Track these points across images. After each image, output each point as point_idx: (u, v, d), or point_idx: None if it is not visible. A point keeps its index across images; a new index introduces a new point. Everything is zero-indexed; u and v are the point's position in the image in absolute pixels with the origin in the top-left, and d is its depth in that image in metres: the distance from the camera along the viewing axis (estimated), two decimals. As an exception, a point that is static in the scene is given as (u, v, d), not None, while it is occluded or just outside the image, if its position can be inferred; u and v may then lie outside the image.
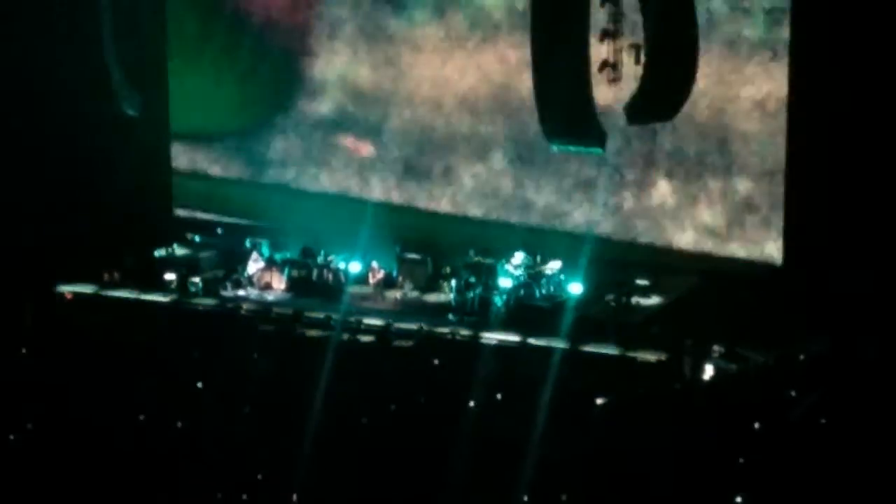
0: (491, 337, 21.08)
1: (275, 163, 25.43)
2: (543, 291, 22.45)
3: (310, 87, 25.11)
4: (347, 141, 25.00)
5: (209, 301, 23.06)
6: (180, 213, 25.90)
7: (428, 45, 24.27)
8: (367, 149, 24.95)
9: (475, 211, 24.17)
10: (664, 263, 22.81)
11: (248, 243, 24.48)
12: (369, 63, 24.68)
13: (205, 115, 25.79)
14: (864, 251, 20.40)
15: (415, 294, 23.25)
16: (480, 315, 22.02)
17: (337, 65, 24.92)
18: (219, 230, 25.39)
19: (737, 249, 22.36)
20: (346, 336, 20.61)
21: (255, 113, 25.52)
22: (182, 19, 25.74)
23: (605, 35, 22.60)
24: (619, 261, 22.80)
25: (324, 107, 25.11)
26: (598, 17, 22.61)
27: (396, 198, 24.60)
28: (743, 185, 22.26)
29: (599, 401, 17.40)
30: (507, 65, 23.70)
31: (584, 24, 22.67)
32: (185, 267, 23.92)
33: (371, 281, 23.49)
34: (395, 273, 23.61)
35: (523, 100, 23.64)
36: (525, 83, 23.50)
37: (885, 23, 20.31)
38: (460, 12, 24.04)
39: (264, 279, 23.70)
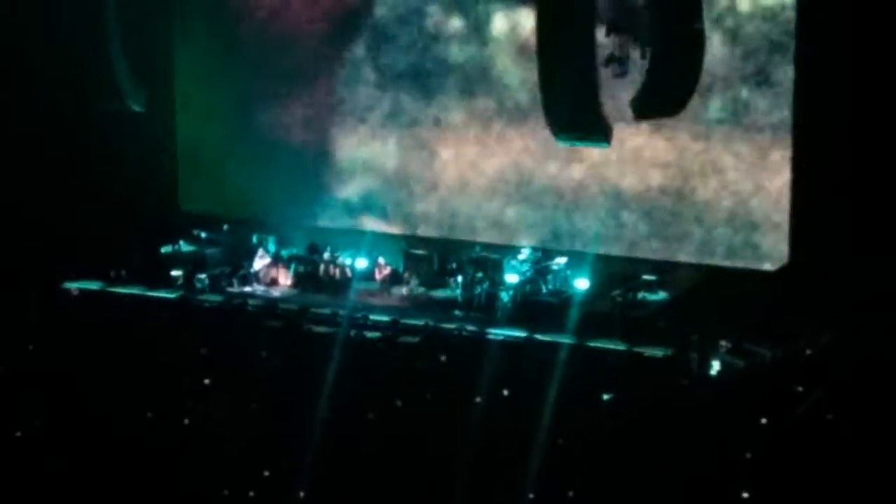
0: (497, 333, 21.07)
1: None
2: (550, 287, 22.45)
3: (336, 171, 25.07)
4: (373, 225, 24.90)
5: (215, 297, 23.05)
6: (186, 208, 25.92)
7: (454, 128, 24.23)
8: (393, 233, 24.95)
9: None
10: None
11: (254, 239, 24.49)
12: (396, 147, 24.68)
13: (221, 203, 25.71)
14: (869, 246, 20.38)
15: (421, 290, 23.24)
16: (487, 311, 22.02)
17: (363, 149, 24.89)
18: (225, 226, 25.38)
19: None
20: (352, 332, 20.58)
21: (280, 199, 25.42)
22: (222, 112, 25.66)
23: (612, 29, 22.55)
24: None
25: (350, 191, 25.08)
26: (605, 10, 22.60)
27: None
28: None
29: (606, 396, 17.39)
30: (534, 148, 23.67)
31: (591, 18, 22.62)
32: (192, 263, 23.91)
33: (377, 277, 23.48)
34: (401, 269, 23.61)
35: (550, 184, 23.63)
36: (553, 167, 23.54)
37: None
38: (487, 95, 23.99)
39: (270, 275, 23.70)
